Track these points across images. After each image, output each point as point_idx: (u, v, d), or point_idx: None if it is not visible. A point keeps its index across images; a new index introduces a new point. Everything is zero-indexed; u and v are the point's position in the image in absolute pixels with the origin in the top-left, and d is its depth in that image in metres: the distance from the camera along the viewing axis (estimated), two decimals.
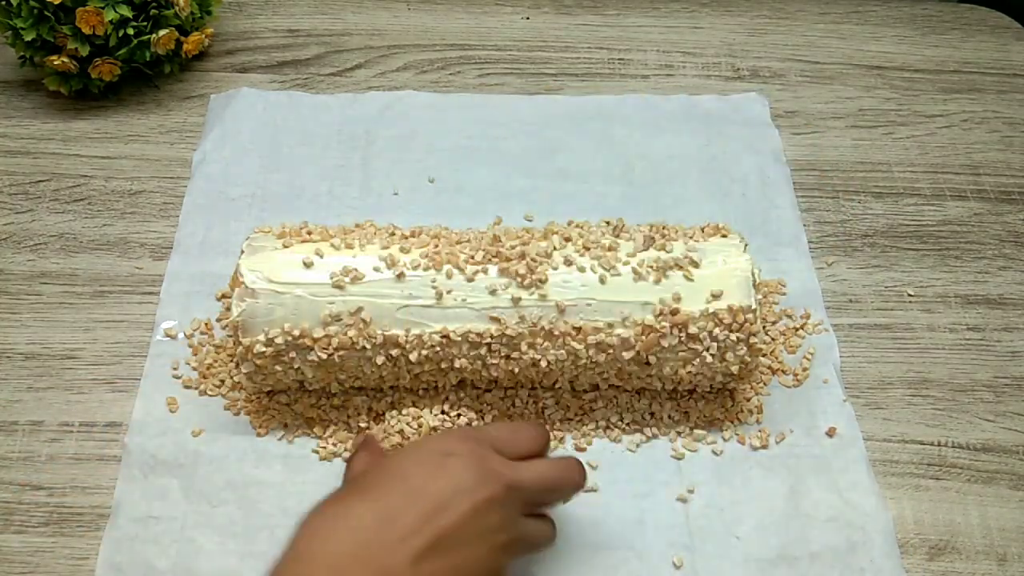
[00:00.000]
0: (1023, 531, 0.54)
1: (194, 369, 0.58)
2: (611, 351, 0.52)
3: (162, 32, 0.71)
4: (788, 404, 0.58)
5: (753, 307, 0.52)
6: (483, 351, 0.52)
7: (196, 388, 0.58)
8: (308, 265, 0.52)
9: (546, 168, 0.70)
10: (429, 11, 0.82)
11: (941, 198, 0.70)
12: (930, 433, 0.57)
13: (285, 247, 0.53)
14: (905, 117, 0.75)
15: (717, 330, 0.52)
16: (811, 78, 0.78)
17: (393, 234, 0.55)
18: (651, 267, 0.52)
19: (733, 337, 0.52)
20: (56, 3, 0.66)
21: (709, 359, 0.52)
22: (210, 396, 0.57)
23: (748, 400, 0.57)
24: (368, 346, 0.52)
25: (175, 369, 0.58)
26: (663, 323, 0.51)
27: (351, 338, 0.51)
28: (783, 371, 0.59)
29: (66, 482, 0.54)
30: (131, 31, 0.69)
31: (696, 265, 0.53)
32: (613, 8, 0.84)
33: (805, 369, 0.59)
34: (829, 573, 0.51)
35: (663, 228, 0.55)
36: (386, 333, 0.51)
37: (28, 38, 0.68)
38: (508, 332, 0.51)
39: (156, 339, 0.60)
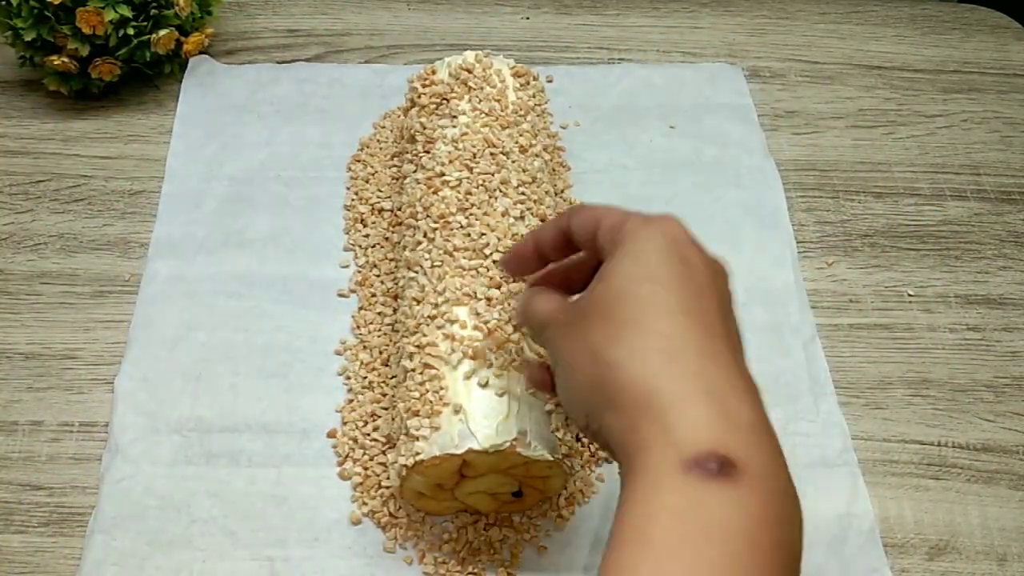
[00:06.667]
0: (1023, 531, 0.54)
1: None
2: None
3: (162, 32, 0.70)
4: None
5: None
6: None
7: None
8: None
9: None
10: (429, 11, 0.82)
11: (941, 198, 0.70)
12: (930, 433, 0.57)
13: None
14: (905, 117, 0.75)
15: None
16: (811, 78, 0.78)
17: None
18: None
19: None
20: (56, 3, 0.66)
21: None
22: None
23: None
24: None
25: None
26: None
27: None
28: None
29: (66, 482, 0.54)
30: (131, 31, 0.69)
31: None
32: (613, 8, 0.83)
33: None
34: None
35: None
36: None
37: (28, 38, 0.68)
38: None
39: None
